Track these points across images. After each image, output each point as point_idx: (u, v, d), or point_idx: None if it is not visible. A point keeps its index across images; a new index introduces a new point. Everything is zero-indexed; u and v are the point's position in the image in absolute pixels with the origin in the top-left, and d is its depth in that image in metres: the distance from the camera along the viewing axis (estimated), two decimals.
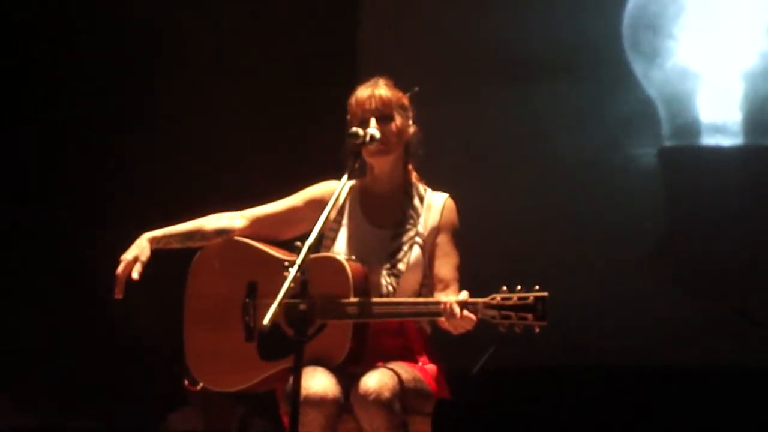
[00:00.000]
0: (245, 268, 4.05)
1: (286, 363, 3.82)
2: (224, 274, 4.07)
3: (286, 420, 3.80)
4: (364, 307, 3.86)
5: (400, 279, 4.00)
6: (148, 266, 4.04)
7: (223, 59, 6.77)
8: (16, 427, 6.41)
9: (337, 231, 4.11)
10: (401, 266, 4.02)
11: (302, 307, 3.57)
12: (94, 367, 6.41)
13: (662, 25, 6.78)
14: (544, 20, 6.74)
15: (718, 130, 6.74)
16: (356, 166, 3.94)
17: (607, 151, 6.73)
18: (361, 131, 3.95)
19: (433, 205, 4.12)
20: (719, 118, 6.74)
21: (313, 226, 3.69)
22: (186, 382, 4.08)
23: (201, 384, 4.06)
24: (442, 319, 3.81)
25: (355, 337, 3.87)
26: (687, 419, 6.28)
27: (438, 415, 4.04)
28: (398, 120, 4.06)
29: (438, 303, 3.82)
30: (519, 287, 3.75)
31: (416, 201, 4.12)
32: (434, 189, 4.19)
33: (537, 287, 3.74)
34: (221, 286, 4.05)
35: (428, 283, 4.06)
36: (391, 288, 3.99)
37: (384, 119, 4.03)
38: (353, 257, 3.98)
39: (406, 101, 4.11)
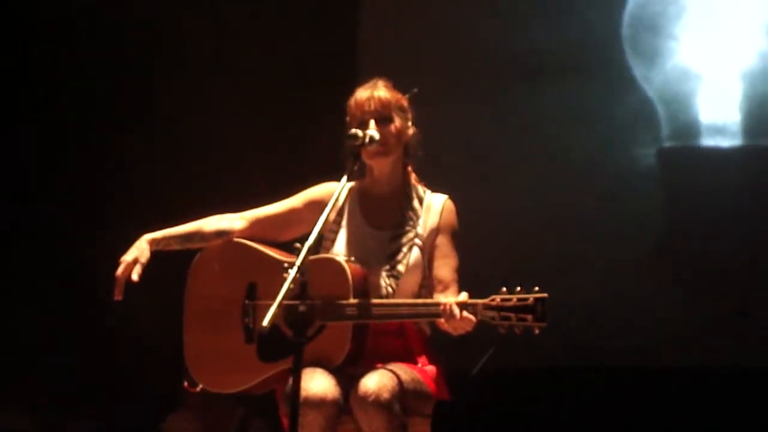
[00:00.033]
0: (245, 269, 4.05)
1: (286, 364, 3.83)
2: (224, 276, 4.07)
3: (285, 421, 3.80)
4: (364, 309, 3.86)
5: (399, 280, 4.01)
6: (147, 267, 4.04)
7: (223, 59, 6.77)
8: (16, 428, 6.40)
9: (336, 232, 4.11)
10: (400, 268, 4.02)
11: (302, 308, 3.57)
12: (94, 367, 6.41)
13: (662, 26, 6.77)
14: (544, 21, 6.74)
15: (718, 130, 6.73)
16: (355, 167, 3.95)
17: (607, 152, 6.72)
18: (360, 133, 3.95)
19: (433, 207, 4.12)
20: (719, 118, 6.74)
21: (313, 228, 3.69)
22: (185, 384, 4.09)
23: (200, 385, 4.07)
24: (442, 320, 3.81)
25: (355, 339, 3.87)
26: (687, 419, 6.28)
27: (437, 416, 4.04)
28: (397, 121, 4.06)
29: (437, 304, 3.82)
30: (518, 288, 3.75)
31: (415, 202, 4.12)
32: (434, 190, 4.19)
33: (536, 288, 3.74)
34: (221, 287, 4.06)
35: (427, 284, 4.06)
36: (390, 289, 3.99)
37: (383, 121, 4.03)
38: (352, 258, 3.98)
39: (405, 103, 4.11)
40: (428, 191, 4.17)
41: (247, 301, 4.01)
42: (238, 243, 4.12)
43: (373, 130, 3.98)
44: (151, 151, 6.65)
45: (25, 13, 6.83)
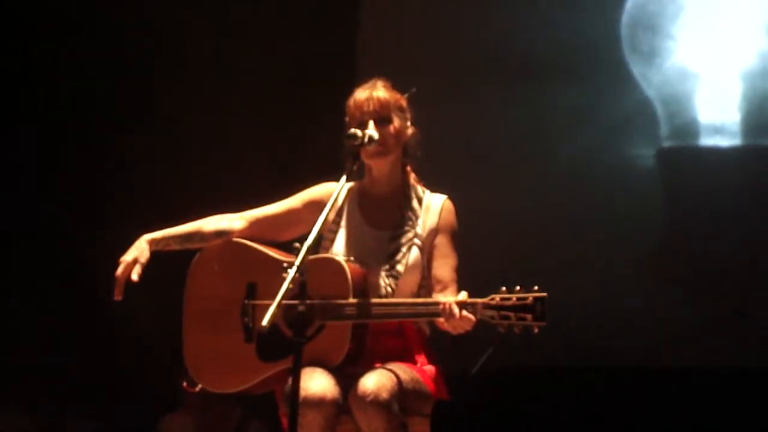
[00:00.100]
0: (244, 269, 4.05)
1: (285, 364, 3.83)
2: (223, 276, 4.07)
3: (285, 421, 3.80)
4: (363, 308, 3.86)
5: (398, 280, 4.01)
6: (147, 268, 4.04)
7: (223, 59, 6.78)
8: (16, 428, 6.40)
9: (335, 232, 4.11)
10: (400, 267, 4.02)
11: (301, 308, 3.57)
12: (94, 367, 6.41)
13: (661, 26, 6.78)
14: (544, 21, 6.74)
15: (716, 130, 6.74)
16: (355, 167, 3.95)
17: (607, 152, 6.73)
18: (359, 132, 3.96)
19: (432, 207, 4.12)
20: (718, 118, 6.74)
21: (312, 228, 3.69)
22: (185, 384, 4.09)
23: (200, 385, 4.07)
24: (441, 319, 3.81)
25: (354, 338, 3.87)
26: (687, 419, 6.29)
27: (437, 415, 4.04)
28: (396, 122, 4.06)
29: (437, 303, 3.82)
30: (518, 288, 3.75)
31: (415, 202, 4.12)
32: (434, 189, 4.19)
33: (536, 288, 3.74)
34: (220, 287, 4.06)
35: (427, 284, 4.06)
36: (389, 289, 4.00)
37: (382, 121, 4.03)
38: (352, 258, 3.98)
39: (404, 103, 4.11)
40: (427, 191, 4.17)
41: (246, 301, 4.01)
42: (237, 243, 4.12)
43: (372, 130, 3.98)
44: (151, 151, 6.66)
45: (25, 13, 6.83)
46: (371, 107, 4.03)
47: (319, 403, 3.78)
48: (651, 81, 6.76)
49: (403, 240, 4.06)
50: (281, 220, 4.14)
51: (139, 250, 4.05)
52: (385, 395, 3.77)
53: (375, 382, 3.79)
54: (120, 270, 4.02)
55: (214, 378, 4.05)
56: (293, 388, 3.54)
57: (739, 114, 6.71)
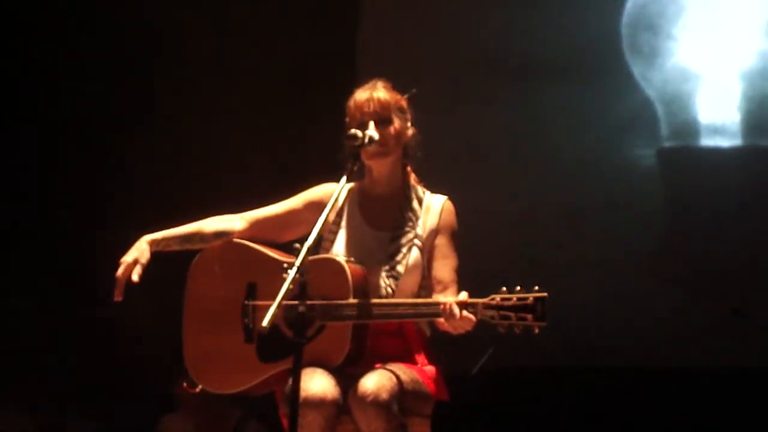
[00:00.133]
0: (244, 270, 4.05)
1: (286, 364, 3.83)
2: (223, 276, 4.07)
3: (285, 421, 3.80)
4: (364, 309, 3.86)
5: (398, 281, 4.00)
6: (147, 268, 4.04)
7: (223, 59, 6.78)
8: (16, 428, 6.40)
9: (335, 233, 4.11)
10: (400, 268, 4.02)
11: (301, 308, 3.57)
12: (94, 367, 6.41)
13: (661, 26, 6.78)
14: (544, 21, 6.75)
15: (717, 130, 6.74)
16: (355, 168, 3.94)
17: (607, 152, 6.73)
18: (359, 133, 3.95)
19: (432, 207, 4.12)
20: (718, 118, 6.74)
21: (312, 228, 3.69)
22: (184, 384, 4.09)
23: (199, 386, 4.07)
24: (442, 319, 3.81)
25: (354, 339, 3.87)
26: (687, 419, 6.29)
27: (437, 416, 4.04)
28: (397, 122, 4.06)
29: (437, 304, 3.82)
30: (518, 288, 3.75)
31: (415, 203, 4.12)
32: (434, 190, 4.19)
33: (536, 288, 3.74)
34: (220, 288, 4.05)
35: (427, 284, 4.06)
36: (390, 290, 3.99)
37: (382, 122, 4.03)
38: (352, 259, 3.98)
39: (404, 103, 4.11)
40: (428, 192, 4.17)
41: (246, 302, 4.01)
42: (237, 244, 4.12)
43: (372, 131, 3.98)
44: (151, 151, 6.65)
45: (25, 13, 6.83)
46: (372, 108, 4.03)
47: (319, 403, 3.78)
48: (651, 81, 6.76)
49: (404, 241, 4.06)
50: (282, 220, 4.14)
51: (140, 250, 4.05)
52: (385, 396, 3.77)
53: (375, 382, 3.79)
54: (120, 271, 4.01)
55: (214, 379, 4.05)
56: (293, 389, 3.54)
57: (740, 114, 6.72)
